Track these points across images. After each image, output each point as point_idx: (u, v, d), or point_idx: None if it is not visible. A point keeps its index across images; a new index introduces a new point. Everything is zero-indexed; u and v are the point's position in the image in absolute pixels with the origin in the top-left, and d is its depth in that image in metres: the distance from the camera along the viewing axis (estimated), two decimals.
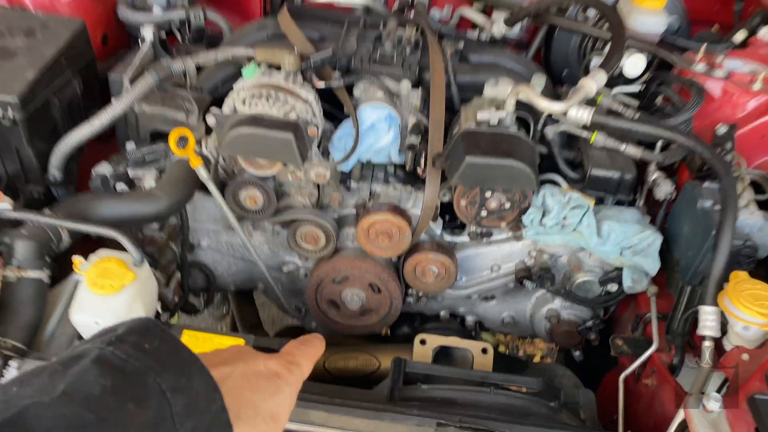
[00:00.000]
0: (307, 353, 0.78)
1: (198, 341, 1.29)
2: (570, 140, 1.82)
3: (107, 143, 1.81)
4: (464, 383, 1.43)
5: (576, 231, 1.62)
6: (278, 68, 1.68)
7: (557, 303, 1.85)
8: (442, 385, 1.41)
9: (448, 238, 1.81)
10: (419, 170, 1.73)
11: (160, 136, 1.75)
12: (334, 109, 1.81)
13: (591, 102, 1.68)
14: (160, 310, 1.88)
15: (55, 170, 1.62)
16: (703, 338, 1.37)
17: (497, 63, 1.92)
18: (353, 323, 1.85)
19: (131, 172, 1.71)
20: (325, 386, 1.38)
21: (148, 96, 1.66)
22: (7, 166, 1.61)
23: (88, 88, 1.77)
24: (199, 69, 1.73)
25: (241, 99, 1.58)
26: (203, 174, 1.56)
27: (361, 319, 1.85)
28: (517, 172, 1.52)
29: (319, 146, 1.71)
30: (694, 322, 1.44)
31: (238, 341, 1.31)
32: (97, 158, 1.79)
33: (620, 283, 1.72)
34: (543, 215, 1.62)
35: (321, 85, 1.69)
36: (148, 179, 1.67)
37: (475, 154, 1.51)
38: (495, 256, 1.80)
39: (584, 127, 1.70)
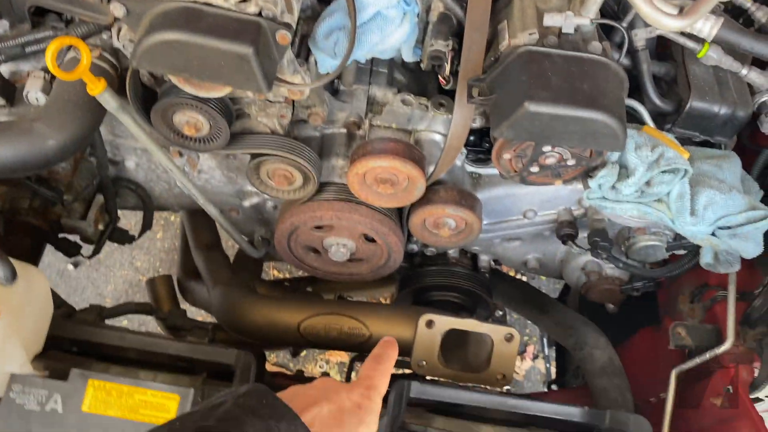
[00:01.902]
0: (384, 371, 0.86)
1: (110, 398, 0.85)
2: (659, 45, 1.26)
3: None
4: (490, 419, 1.06)
5: (660, 201, 1.14)
6: None
7: None
8: (458, 420, 1.04)
9: (470, 169, 1.32)
10: (441, 80, 1.18)
11: (47, 13, 1.13)
12: None
13: None
14: (78, 258, 1.44)
15: None
16: None
17: None
18: (337, 270, 1.42)
19: (5, 70, 1.12)
20: None
21: None
22: None
23: None
24: None
25: None
26: (111, 103, 0.99)
27: (347, 266, 1.41)
28: (599, 128, 0.99)
29: (294, 42, 1.12)
30: None
31: (170, 397, 0.88)
32: None
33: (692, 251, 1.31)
34: (618, 176, 1.12)
35: None
36: (33, 87, 1.09)
37: (541, 97, 0.96)
38: (532, 200, 1.33)
39: (690, 34, 1.14)
